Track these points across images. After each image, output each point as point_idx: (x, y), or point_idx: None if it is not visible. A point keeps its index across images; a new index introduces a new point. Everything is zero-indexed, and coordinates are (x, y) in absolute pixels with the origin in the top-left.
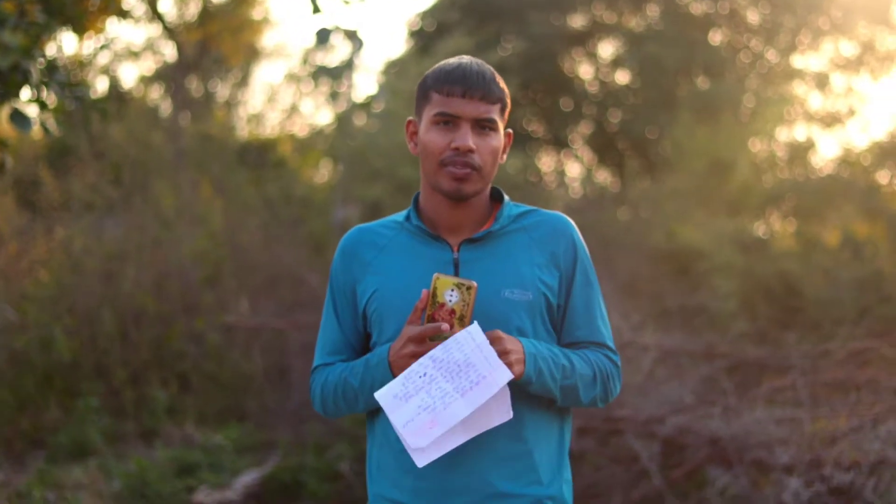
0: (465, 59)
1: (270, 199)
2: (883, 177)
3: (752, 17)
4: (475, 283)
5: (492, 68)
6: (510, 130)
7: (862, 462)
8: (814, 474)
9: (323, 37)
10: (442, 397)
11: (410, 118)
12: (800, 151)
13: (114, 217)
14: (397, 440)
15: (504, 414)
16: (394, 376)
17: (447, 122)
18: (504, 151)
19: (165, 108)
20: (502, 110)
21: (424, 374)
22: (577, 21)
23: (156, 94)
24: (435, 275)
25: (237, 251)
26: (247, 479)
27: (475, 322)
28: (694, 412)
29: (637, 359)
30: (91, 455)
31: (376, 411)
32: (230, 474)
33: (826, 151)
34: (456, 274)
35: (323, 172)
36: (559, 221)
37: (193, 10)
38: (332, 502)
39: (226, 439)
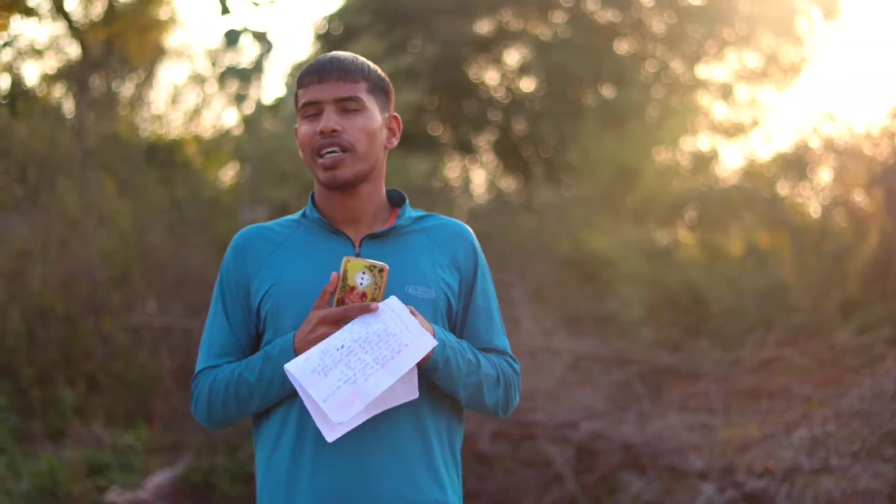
0: (325, 54)
1: (178, 199)
2: (785, 188)
3: (658, 26)
4: (387, 266)
5: (357, 56)
6: (396, 115)
7: (774, 469)
8: (727, 480)
9: (232, 38)
10: (362, 368)
11: (296, 125)
12: (704, 161)
13: (19, 215)
14: (296, 440)
15: (410, 392)
16: None
17: (313, 112)
18: (394, 135)
19: (68, 107)
20: (372, 91)
21: (342, 347)
22: (484, 27)
23: (58, 92)
24: (345, 258)
25: (145, 252)
26: (158, 479)
27: (393, 296)
28: (607, 418)
29: (549, 364)
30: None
31: (263, 416)
32: (141, 475)
33: (730, 162)
34: None
35: (229, 174)
36: (459, 227)
37: (99, 8)
38: (244, 503)
39: (135, 440)
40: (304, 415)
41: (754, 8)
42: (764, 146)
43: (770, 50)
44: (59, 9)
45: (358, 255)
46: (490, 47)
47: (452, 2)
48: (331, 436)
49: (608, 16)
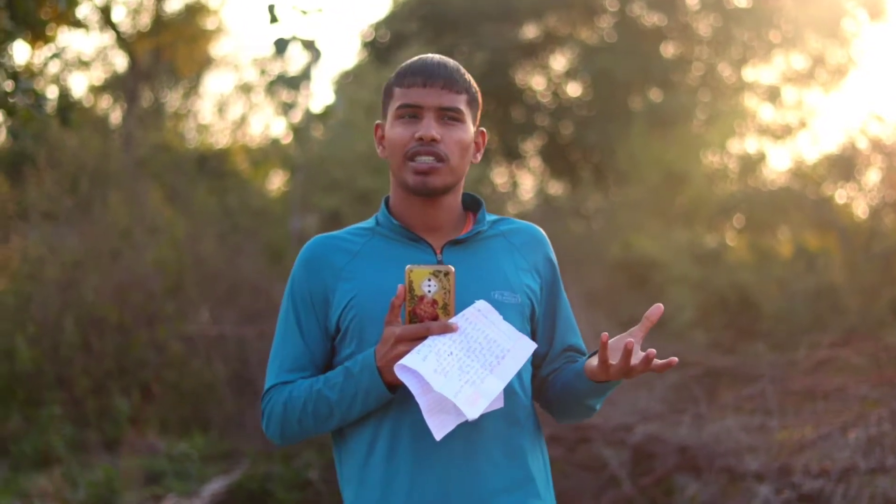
0: (429, 54)
1: (229, 209)
2: (833, 189)
3: (704, 29)
4: (452, 268)
5: (459, 65)
6: (483, 129)
7: (830, 469)
8: (783, 481)
9: (281, 47)
10: (475, 372)
11: (378, 122)
12: (751, 164)
13: (71, 226)
14: (390, 451)
15: (498, 401)
16: (384, 381)
17: (411, 114)
18: (479, 150)
19: (115, 118)
20: (470, 103)
21: (451, 354)
22: (531, 32)
23: (105, 103)
24: (408, 267)
25: (197, 261)
26: (214, 487)
27: (482, 300)
28: (662, 420)
29: None
30: (54, 464)
31: (349, 429)
32: (197, 483)
33: (777, 164)
34: None
35: (276, 183)
36: (536, 230)
37: (147, 19)
38: None
39: (191, 448)
40: (398, 426)
41: (800, 10)
42: (811, 148)
43: (816, 51)
44: (107, 20)
45: (440, 262)
46: (536, 52)
47: (499, 8)
48: (440, 433)
49: (654, 19)
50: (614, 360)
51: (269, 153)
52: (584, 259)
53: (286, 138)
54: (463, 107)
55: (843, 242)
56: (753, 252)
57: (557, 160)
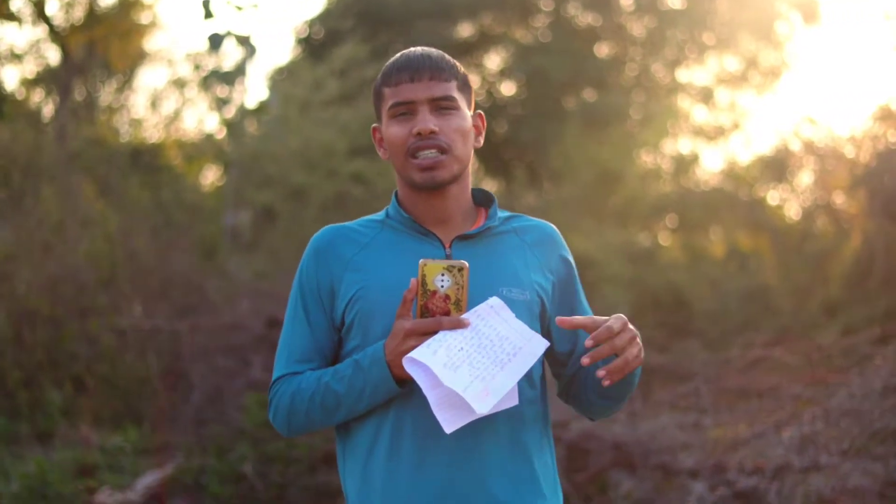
0: (411, 49)
1: (162, 203)
2: (766, 190)
3: (638, 30)
4: (467, 264)
5: (443, 52)
6: (481, 112)
7: (765, 467)
8: (718, 479)
9: (216, 42)
10: (486, 369)
11: (374, 125)
12: (684, 164)
13: (3, 219)
14: (391, 447)
15: (512, 399)
16: (393, 375)
17: (404, 111)
18: (480, 134)
19: (48, 111)
20: (461, 88)
21: (462, 349)
22: (466, 31)
23: (38, 97)
24: (421, 261)
25: (130, 255)
26: (148, 480)
27: (495, 297)
28: None
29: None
30: None
31: (354, 423)
32: (131, 476)
33: (710, 165)
34: None
35: (210, 178)
36: (550, 229)
37: (80, 12)
38: None
39: (124, 441)
40: (401, 423)
41: (734, 12)
42: (744, 149)
43: (750, 54)
44: (40, 13)
45: (448, 257)
46: (471, 51)
47: (434, 6)
48: (450, 427)
49: (588, 19)
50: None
51: (203, 148)
52: None
53: (220, 133)
54: (455, 93)
55: (775, 243)
56: (686, 252)
57: (491, 159)
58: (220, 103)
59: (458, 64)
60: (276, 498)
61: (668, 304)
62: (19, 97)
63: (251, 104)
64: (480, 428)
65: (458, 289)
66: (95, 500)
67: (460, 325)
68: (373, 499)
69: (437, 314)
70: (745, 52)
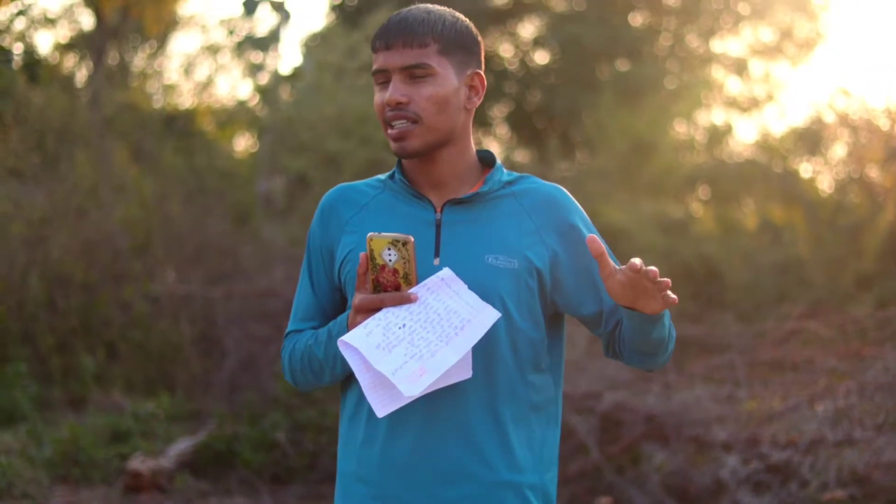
0: (401, 11)
1: (196, 169)
2: (799, 163)
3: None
4: (412, 238)
5: (433, 9)
6: (479, 72)
7: (798, 441)
8: (751, 452)
9: (250, 7)
10: (427, 346)
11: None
12: (718, 135)
13: (37, 184)
14: (367, 417)
15: (464, 372)
16: None
17: (383, 80)
18: (476, 94)
19: (80, 76)
20: (445, 51)
21: (403, 326)
22: None
23: (71, 62)
24: (368, 235)
25: (164, 221)
26: (181, 447)
27: (446, 268)
28: (631, 388)
29: (573, 335)
30: (20, 421)
31: (347, 382)
32: (163, 442)
33: (744, 136)
34: (437, 236)
35: (243, 145)
36: (555, 191)
37: None
38: (266, 471)
39: (157, 407)
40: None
41: None
42: (778, 121)
43: (785, 24)
44: None
45: (438, 221)
46: (505, 20)
47: None
48: (382, 411)
49: None
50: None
51: (236, 115)
52: None
53: (253, 100)
54: (431, 60)
55: (808, 216)
56: (719, 224)
57: (524, 128)
58: (254, 69)
59: (448, 22)
60: (309, 466)
61: (700, 275)
62: (53, 62)
63: (285, 70)
64: (454, 396)
65: (405, 262)
66: (128, 466)
67: (405, 300)
68: (351, 462)
69: (389, 288)
70: (780, 22)
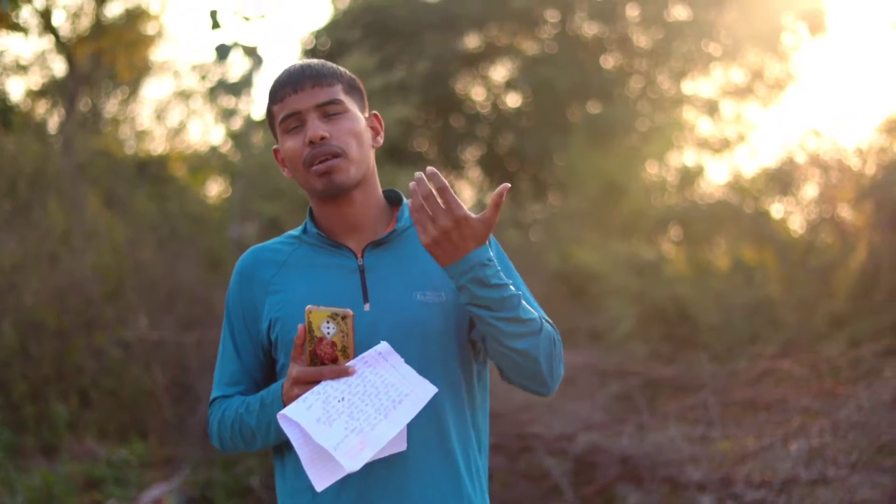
0: (292, 64)
1: (168, 215)
2: (771, 203)
3: (644, 41)
4: (351, 312)
5: (324, 60)
6: (376, 112)
7: (772, 480)
8: (725, 492)
9: (223, 53)
10: (367, 419)
11: (275, 147)
12: (689, 177)
13: (9, 230)
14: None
15: (398, 444)
16: None
17: (294, 124)
18: (378, 134)
19: (52, 123)
20: (349, 91)
21: (343, 399)
22: (472, 42)
23: (43, 108)
24: (307, 308)
25: (137, 267)
26: (154, 493)
27: (384, 342)
28: (605, 430)
29: None
30: None
31: (283, 446)
32: (137, 489)
33: (715, 177)
34: (363, 282)
35: (216, 190)
36: None
37: (87, 23)
38: None
39: (130, 454)
40: None
41: (740, 23)
42: (749, 162)
43: (756, 65)
44: (46, 24)
45: (361, 267)
46: (477, 63)
47: (440, 17)
48: (321, 485)
49: (594, 30)
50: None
51: (208, 160)
52: (522, 269)
53: (226, 145)
54: (341, 96)
55: (780, 257)
56: (691, 265)
57: (496, 170)
58: (227, 114)
59: (341, 69)
60: None
61: (672, 316)
62: (25, 108)
63: (258, 115)
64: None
65: (343, 336)
66: None
67: (344, 373)
68: None
69: (326, 360)
70: (751, 63)
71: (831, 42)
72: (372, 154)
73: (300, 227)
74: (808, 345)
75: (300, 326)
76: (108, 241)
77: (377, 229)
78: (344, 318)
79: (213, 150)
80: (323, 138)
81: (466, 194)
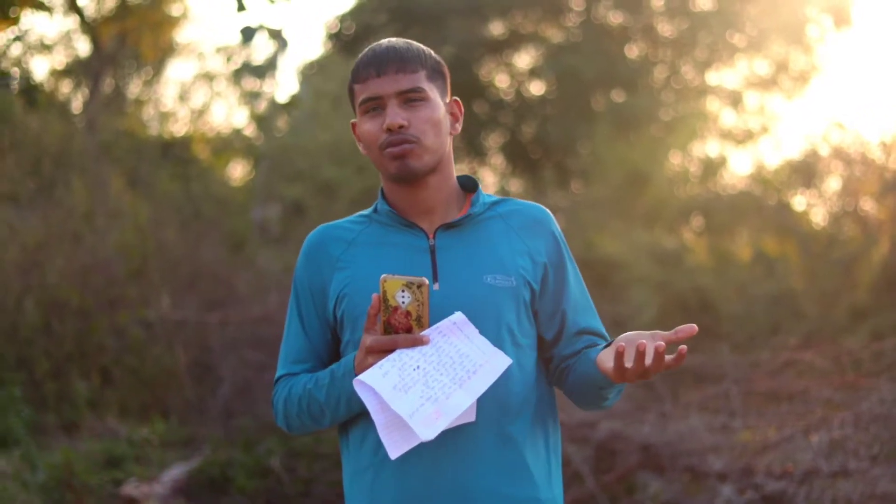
0: (378, 42)
1: (192, 196)
2: (793, 195)
3: (669, 31)
4: (426, 280)
5: (411, 42)
6: (457, 98)
7: (793, 471)
8: (746, 482)
9: (248, 35)
10: (441, 388)
11: (353, 121)
12: (712, 167)
13: (33, 209)
14: (375, 449)
15: (469, 415)
16: None
17: (375, 107)
18: (457, 121)
19: (76, 102)
20: (432, 77)
21: (418, 368)
22: (497, 29)
23: (67, 88)
24: (382, 277)
25: (160, 247)
26: (175, 472)
27: (458, 312)
28: (627, 418)
29: None
30: (13, 446)
31: (348, 423)
32: (157, 468)
33: (738, 168)
34: (433, 261)
35: (239, 172)
36: (538, 211)
37: (112, 3)
38: (260, 498)
39: (151, 433)
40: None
41: (765, 15)
42: (772, 154)
43: (780, 57)
44: (71, 4)
45: (432, 247)
46: (501, 49)
47: (466, 3)
48: (395, 452)
49: (619, 20)
50: (629, 362)
51: (232, 142)
52: None
53: (249, 128)
54: (423, 83)
55: (802, 249)
56: (713, 255)
57: (520, 158)
58: (251, 97)
59: (428, 52)
60: (303, 493)
61: (694, 307)
62: (49, 88)
63: (282, 98)
64: (463, 425)
65: (418, 305)
66: (122, 492)
67: (419, 342)
68: (361, 499)
69: (400, 330)
70: (776, 55)
71: (856, 35)
72: (449, 141)
73: (370, 208)
74: (829, 337)
75: (374, 296)
76: (132, 221)
77: (449, 213)
78: (420, 286)
79: (237, 132)
80: (402, 127)
81: (489, 180)
